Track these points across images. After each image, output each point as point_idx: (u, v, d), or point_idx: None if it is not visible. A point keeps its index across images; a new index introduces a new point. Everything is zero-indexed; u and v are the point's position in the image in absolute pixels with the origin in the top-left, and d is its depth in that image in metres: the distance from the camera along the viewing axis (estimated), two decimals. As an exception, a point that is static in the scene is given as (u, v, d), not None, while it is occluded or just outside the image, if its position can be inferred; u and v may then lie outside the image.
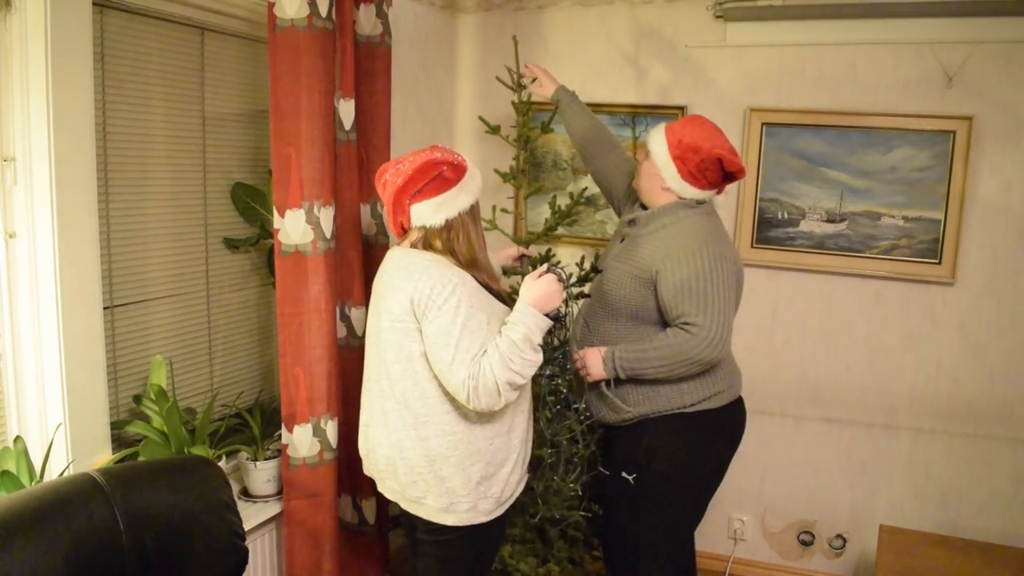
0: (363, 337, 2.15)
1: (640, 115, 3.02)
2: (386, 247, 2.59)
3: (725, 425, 2.24)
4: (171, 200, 2.24)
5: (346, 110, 2.32)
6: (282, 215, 2.17)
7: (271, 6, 2.09)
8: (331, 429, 2.29)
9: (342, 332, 2.43)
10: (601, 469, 2.25)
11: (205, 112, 2.31)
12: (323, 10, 2.14)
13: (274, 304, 2.58)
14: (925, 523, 2.86)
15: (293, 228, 2.17)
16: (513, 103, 2.64)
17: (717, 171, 2.10)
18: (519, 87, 2.62)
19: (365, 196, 2.47)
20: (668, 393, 2.12)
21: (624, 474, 2.16)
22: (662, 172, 2.12)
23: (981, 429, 2.79)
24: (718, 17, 2.87)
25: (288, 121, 2.13)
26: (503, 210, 2.82)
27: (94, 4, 1.87)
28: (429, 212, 1.80)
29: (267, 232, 2.50)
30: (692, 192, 2.12)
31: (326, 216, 2.21)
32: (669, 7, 2.96)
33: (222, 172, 2.39)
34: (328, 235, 2.23)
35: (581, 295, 2.27)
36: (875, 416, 2.91)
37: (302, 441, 2.26)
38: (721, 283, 2.02)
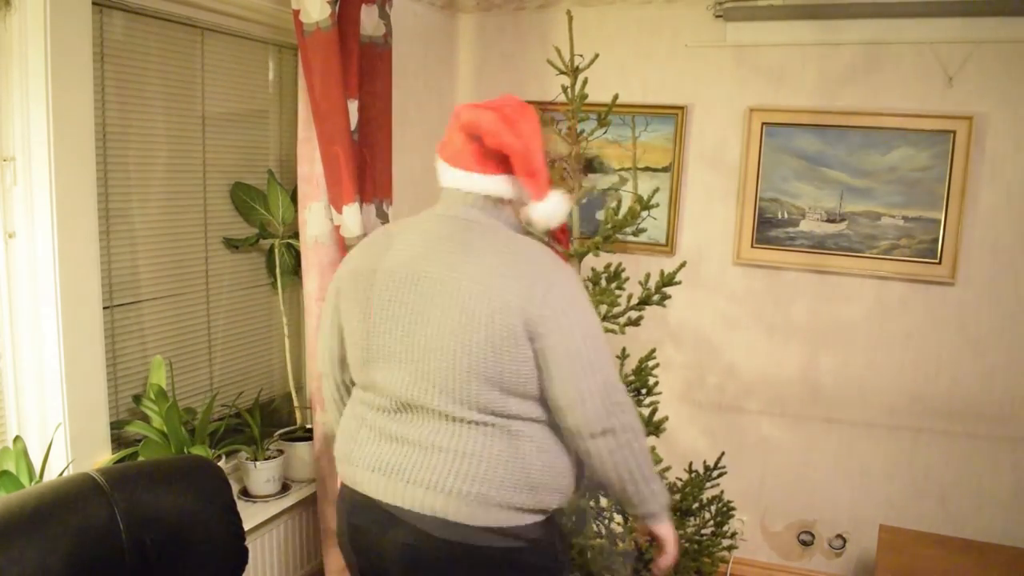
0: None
1: (640, 115, 3.02)
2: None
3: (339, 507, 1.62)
4: (171, 200, 2.24)
5: (351, 110, 2.33)
6: (340, 211, 2.31)
7: (296, 13, 2.15)
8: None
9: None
10: None
11: (205, 112, 2.31)
12: (337, 9, 2.19)
13: (278, 302, 2.59)
14: (925, 523, 2.86)
15: (353, 222, 2.32)
16: (563, 88, 2.33)
17: (456, 131, 1.53)
18: (573, 71, 2.32)
19: (368, 196, 2.48)
20: None
21: None
22: None
23: (981, 429, 2.79)
24: (718, 17, 2.88)
25: (331, 121, 2.23)
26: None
27: (94, 4, 1.87)
28: None
29: (267, 232, 2.50)
30: (439, 168, 1.57)
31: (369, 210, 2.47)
32: (669, 7, 2.97)
33: (222, 172, 2.39)
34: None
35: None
36: (875, 416, 2.91)
37: None
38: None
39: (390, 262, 1.48)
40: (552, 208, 1.52)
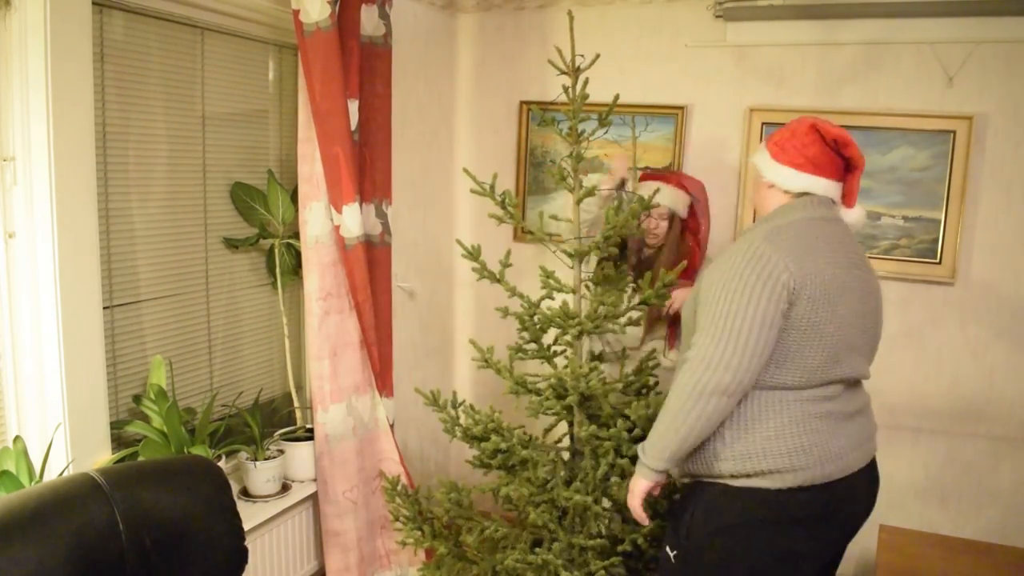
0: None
1: (640, 115, 3.02)
2: (389, 246, 2.59)
3: (790, 515, 1.66)
4: (171, 200, 2.24)
5: (352, 110, 2.33)
6: (339, 211, 2.32)
7: (296, 13, 2.16)
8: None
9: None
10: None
11: (205, 112, 2.31)
12: (337, 9, 2.19)
13: (278, 302, 2.58)
14: (925, 523, 2.86)
15: (353, 222, 2.35)
16: (564, 88, 2.31)
17: (816, 143, 1.72)
18: (574, 71, 2.29)
19: (368, 195, 2.48)
20: (703, 454, 1.71)
21: (667, 548, 1.79)
22: (759, 166, 1.80)
23: (981, 429, 2.79)
24: (718, 17, 2.87)
25: (331, 121, 2.24)
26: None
27: (94, 4, 1.87)
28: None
29: (267, 232, 2.50)
30: (788, 175, 1.73)
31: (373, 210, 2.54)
32: (669, 7, 2.96)
33: (222, 172, 2.40)
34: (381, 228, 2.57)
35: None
36: (875, 416, 2.90)
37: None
38: (742, 294, 1.59)
39: (837, 266, 1.67)
40: (860, 216, 1.82)
